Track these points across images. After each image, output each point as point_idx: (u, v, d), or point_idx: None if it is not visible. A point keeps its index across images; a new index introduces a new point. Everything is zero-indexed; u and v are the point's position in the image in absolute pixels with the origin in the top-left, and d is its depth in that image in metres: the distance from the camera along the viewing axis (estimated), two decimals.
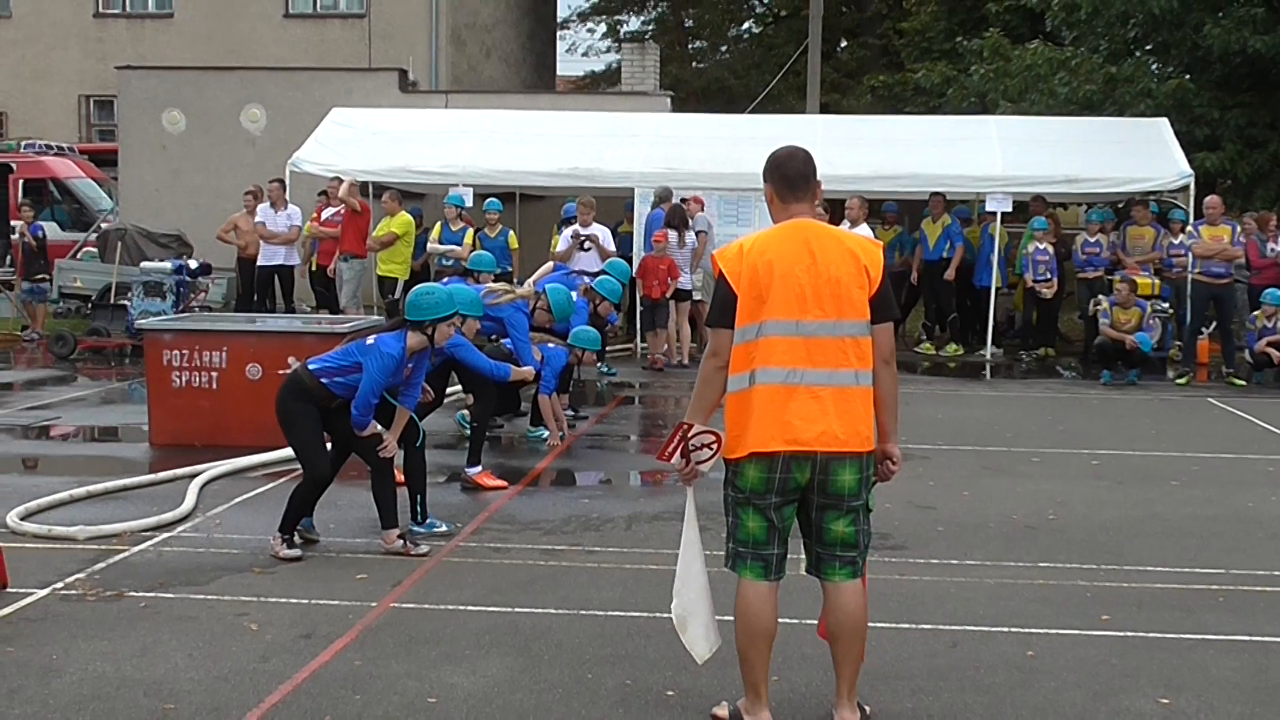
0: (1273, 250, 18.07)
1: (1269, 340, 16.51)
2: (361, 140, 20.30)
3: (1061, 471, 10.89)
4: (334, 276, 18.39)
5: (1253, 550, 8.37)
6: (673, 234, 17.28)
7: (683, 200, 18.04)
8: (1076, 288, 19.31)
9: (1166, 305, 17.62)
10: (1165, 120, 20.41)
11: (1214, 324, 17.84)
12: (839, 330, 5.13)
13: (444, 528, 8.64)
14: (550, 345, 11.83)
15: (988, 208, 18.85)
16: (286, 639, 6.41)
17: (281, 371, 11.10)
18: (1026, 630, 6.66)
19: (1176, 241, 18.20)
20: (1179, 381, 16.58)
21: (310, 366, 8.03)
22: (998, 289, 19.09)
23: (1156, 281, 17.93)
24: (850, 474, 5.15)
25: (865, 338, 5.17)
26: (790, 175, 5.36)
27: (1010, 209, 18.98)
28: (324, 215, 18.64)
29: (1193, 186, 18.59)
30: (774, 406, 5.10)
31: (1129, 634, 6.62)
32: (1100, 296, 17.35)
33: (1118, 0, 23.63)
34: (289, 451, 10.69)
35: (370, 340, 8.01)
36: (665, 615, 6.65)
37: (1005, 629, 6.68)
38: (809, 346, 5.11)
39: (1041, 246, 18.68)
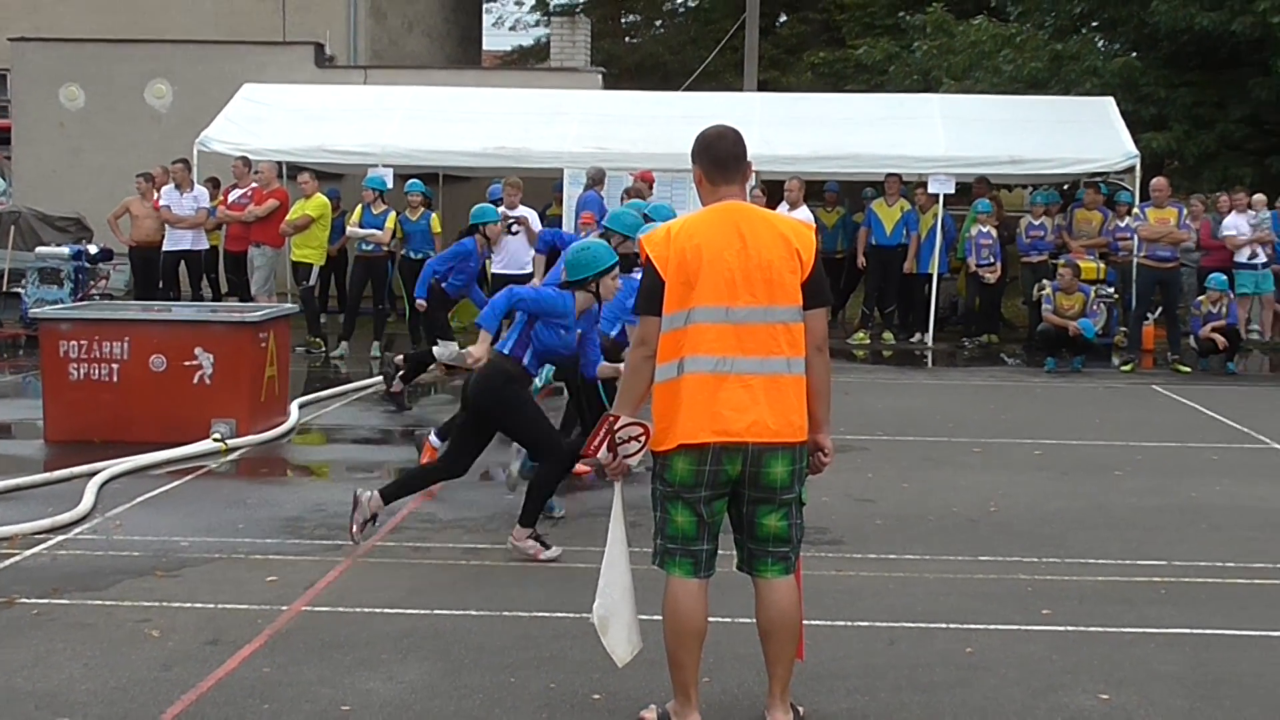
0: (1228, 233, 18.34)
1: (1214, 326, 16.74)
2: (275, 118, 20.14)
3: (1004, 462, 11.00)
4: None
5: (1196, 541, 8.49)
6: None
7: (635, 178, 17.95)
8: (1020, 272, 19.48)
9: (1111, 290, 17.82)
10: (1111, 99, 20.63)
11: (1160, 309, 18.06)
12: (770, 316, 5.14)
13: (557, 511, 8.89)
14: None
15: (930, 189, 18.96)
16: (191, 646, 6.35)
17: (188, 363, 11.03)
18: (966, 626, 6.72)
19: (1123, 224, 18.42)
20: (1124, 368, 16.78)
21: (504, 350, 8.04)
22: (939, 274, 19.21)
23: (1102, 266, 18.14)
24: (782, 466, 5.16)
25: (797, 324, 5.19)
26: (720, 156, 5.36)
27: (953, 191, 19.12)
28: (231, 197, 18.43)
29: (1139, 168, 18.78)
30: (703, 396, 5.10)
31: (1070, 628, 6.70)
32: (1044, 281, 17.52)
33: None
34: (196, 448, 10.67)
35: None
36: (591, 616, 6.67)
37: (944, 625, 6.74)
38: (739, 333, 5.12)
39: (985, 230, 18.82)
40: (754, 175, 18.43)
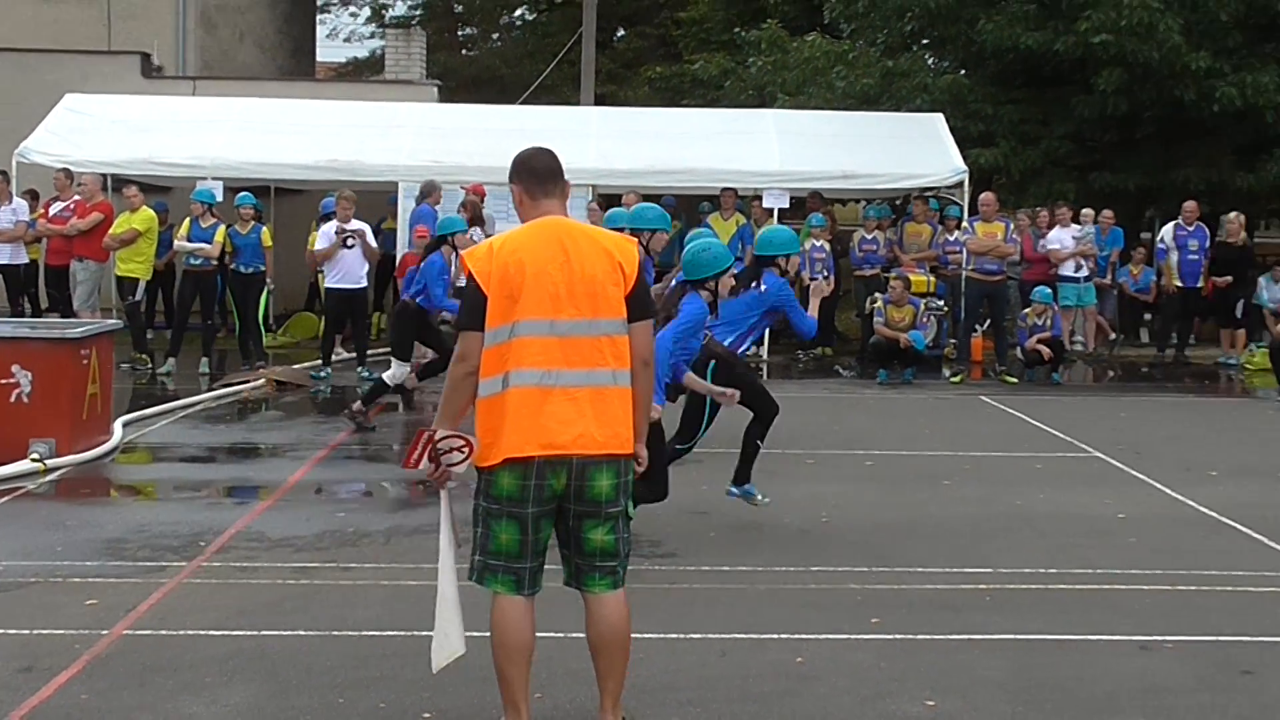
0: (1041, 246, 18.85)
1: (1039, 337, 17.17)
2: (99, 129, 19.67)
3: (836, 473, 11.15)
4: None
5: (1021, 549, 8.68)
6: (476, 232, 17.08)
7: (468, 191, 17.85)
8: (854, 286, 19.78)
9: (941, 303, 18.18)
10: (941, 116, 21.08)
11: (988, 321, 18.47)
12: (595, 329, 5.17)
13: (760, 497, 9.40)
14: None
15: (765, 204, 19.19)
16: (2, 674, 6.15)
17: (4, 381, 10.75)
18: (797, 636, 6.78)
19: (952, 238, 18.82)
20: (954, 380, 17.13)
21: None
22: None
23: (932, 279, 18.50)
24: (607, 479, 5.18)
25: (622, 336, 5.22)
26: (539, 170, 5.41)
27: (788, 205, 19.36)
28: (53, 210, 17.95)
29: (967, 183, 19.21)
30: (529, 409, 5.10)
31: (898, 636, 6.81)
32: (876, 294, 17.83)
33: None
34: (13, 468, 10.40)
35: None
36: (424, 633, 6.60)
37: (776, 635, 6.80)
38: (564, 346, 5.13)
39: (818, 244, 19.08)
40: (591, 189, 18.55)
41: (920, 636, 6.82)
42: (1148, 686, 6.18)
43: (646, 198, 18.58)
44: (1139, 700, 6.02)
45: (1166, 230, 20.51)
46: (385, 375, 13.34)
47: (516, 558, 5.21)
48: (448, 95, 28.26)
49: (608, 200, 19.34)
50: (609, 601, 5.32)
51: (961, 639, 6.79)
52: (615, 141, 19.72)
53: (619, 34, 42.40)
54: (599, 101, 28.95)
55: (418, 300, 13.39)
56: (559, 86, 34.47)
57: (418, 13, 44.91)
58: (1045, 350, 17.14)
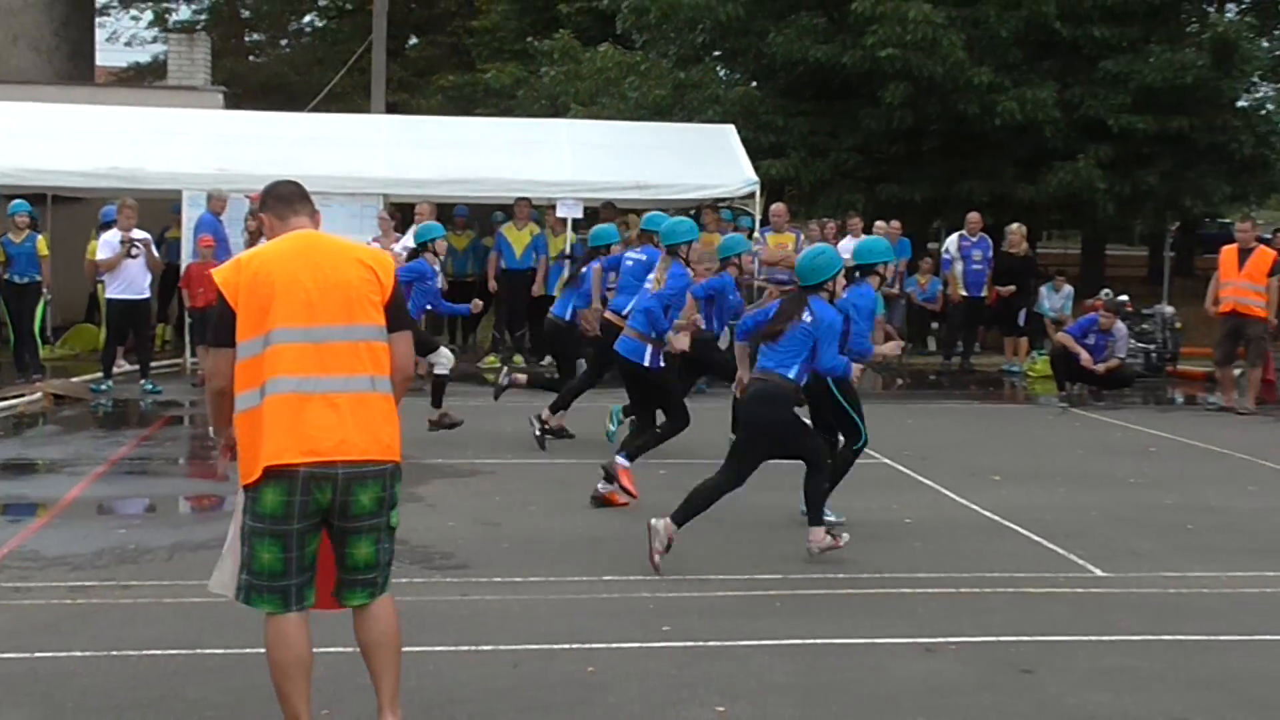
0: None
1: None
2: None
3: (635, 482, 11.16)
4: None
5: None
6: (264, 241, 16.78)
7: (251, 199, 17.52)
8: None
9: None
10: (733, 127, 21.37)
11: None
12: (352, 335, 5.17)
13: (832, 517, 9.39)
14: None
15: (558, 213, 19.23)
16: None
17: None
18: (589, 646, 6.79)
19: None
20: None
21: (788, 374, 8.54)
22: None
23: None
24: (372, 493, 5.15)
25: (380, 342, 5.24)
26: (285, 194, 5.49)
27: (581, 215, 19.41)
28: None
29: (759, 193, 19.50)
30: (287, 417, 5.05)
31: (689, 644, 6.86)
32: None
33: (686, 6, 24.60)
34: None
35: (808, 319, 8.56)
36: (208, 651, 6.48)
37: (568, 645, 6.80)
38: (321, 353, 5.12)
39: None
40: (382, 199, 18.37)
41: (711, 643, 6.88)
42: (931, 687, 6.33)
43: (440, 207, 18.55)
44: (923, 701, 6.16)
45: (951, 241, 21.09)
46: (437, 369, 13.23)
47: (280, 575, 5.13)
48: (234, 102, 27.75)
49: (400, 210, 19.19)
50: (373, 608, 5.30)
51: (752, 645, 6.87)
52: (407, 150, 19.57)
53: (411, 42, 42.11)
54: (391, 110, 28.74)
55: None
56: (350, 94, 34.12)
57: (203, 17, 44.04)
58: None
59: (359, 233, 17.45)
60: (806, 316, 8.58)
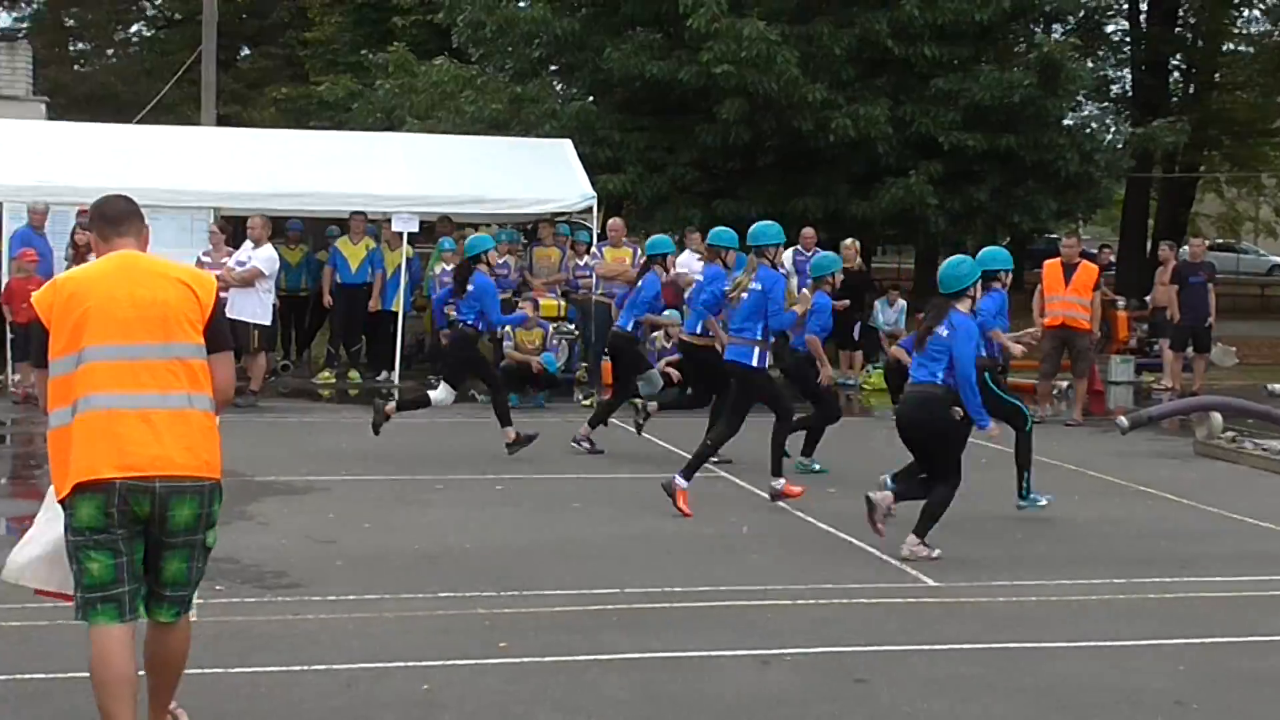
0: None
1: (668, 360, 17.54)
2: None
3: (466, 498, 11.12)
4: None
5: (649, 568, 8.84)
6: (92, 257, 16.35)
7: (79, 212, 17.09)
8: None
9: (572, 326, 18.43)
10: (570, 142, 21.40)
11: None
12: (169, 352, 5.17)
13: (1041, 501, 10.75)
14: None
15: (394, 227, 19.07)
16: None
17: None
18: (424, 664, 6.73)
19: (581, 263, 19.09)
20: (585, 403, 17.35)
21: (943, 380, 9.17)
22: (405, 312, 19.28)
23: (562, 303, 18.73)
24: (190, 508, 5.14)
25: (199, 360, 5.24)
26: (111, 214, 5.44)
27: (417, 229, 19.28)
28: None
29: (596, 208, 19.55)
30: (101, 432, 5.02)
31: (526, 659, 6.83)
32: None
33: (522, 21, 24.62)
34: None
35: (944, 331, 9.18)
36: (28, 677, 6.29)
37: (403, 664, 6.72)
38: (136, 370, 5.10)
39: (449, 268, 19.04)
40: (213, 212, 18.05)
41: (548, 659, 6.86)
42: (767, 699, 6.38)
43: (274, 221, 18.28)
44: (759, 713, 6.21)
45: (786, 256, 21.25)
46: (432, 394, 13.23)
47: (113, 583, 5.09)
48: (58, 113, 27.13)
49: (232, 223, 18.87)
50: (172, 628, 5.30)
51: (589, 659, 6.86)
52: (239, 163, 19.26)
53: (243, 53, 41.57)
54: (222, 122, 28.28)
55: (475, 324, 13.28)
56: (179, 105, 33.54)
57: (25, 25, 42.92)
58: (674, 373, 17.50)
59: (189, 246, 17.15)
60: (943, 330, 9.23)
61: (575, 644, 7.12)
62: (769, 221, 11.91)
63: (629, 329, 13.85)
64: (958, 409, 9.33)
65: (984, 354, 10.43)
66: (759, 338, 11.10)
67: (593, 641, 7.17)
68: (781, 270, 20.56)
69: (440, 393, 13.25)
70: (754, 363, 11.09)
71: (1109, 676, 6.84)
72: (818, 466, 12.77)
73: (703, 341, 12.81)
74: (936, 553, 9.23)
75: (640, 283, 13.90)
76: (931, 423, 9.36)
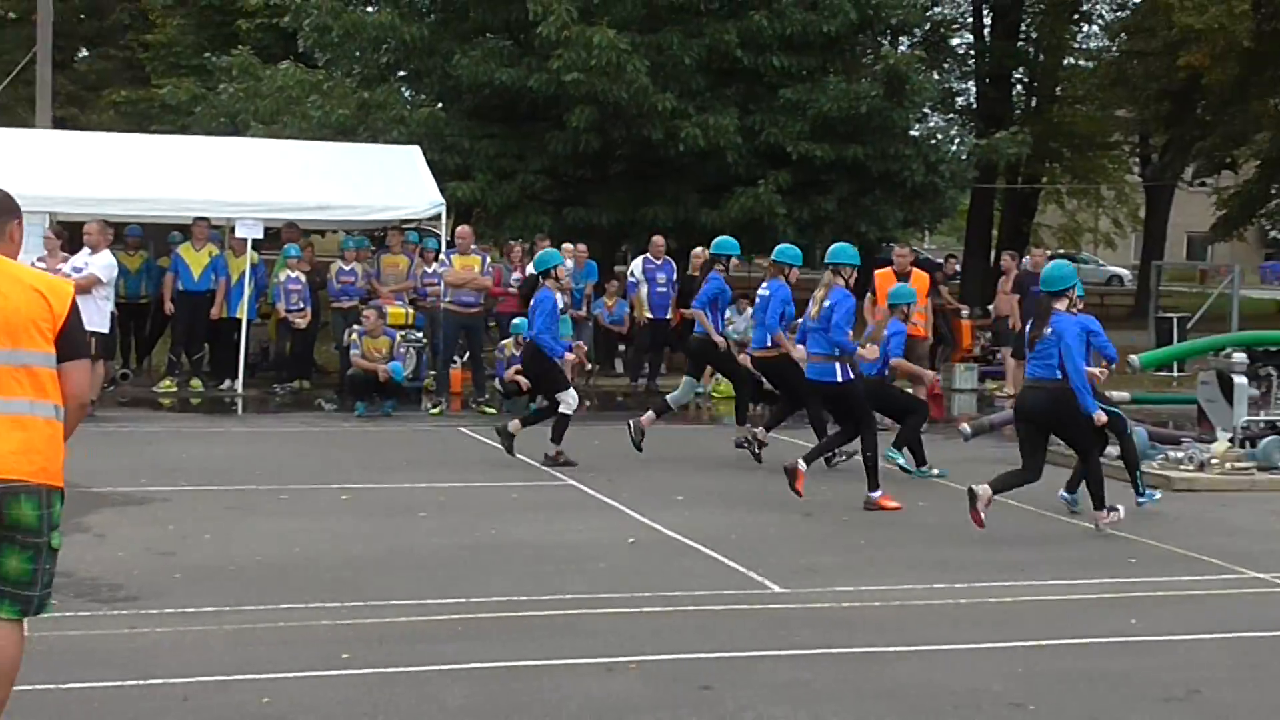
0: (516, 279, 19.35)
1: (516, 369, 17.54)
2: None
3: (311, 508, 11.01)
4: None
5: (494, 578, 8.82)
6: None
7: None
8: (331, 318, 19.64)
9: (420, 334, 18.34)
10: (418, 148, 21.30)
11: (467, 353, 18.75)
12: (14, 359, 5.15)
13: (1157, 496, 11.84)
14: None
15: (238, 234, 18.81)
16: None
17: None
18: (264, 676, 6.64)
19: (429, 270, 19.00)
20: (433, 411, 17.28)
21: (1060, 376, 10.41)
22: (250, 319, 19.01)
23: (410, 311, 18.63)
24: (30, 508, 5.14)
25: (47, 369, 5.22)
26: None
27: (262, 235, 19.04)
28: None
29: (445, 215, 19.47)
30: None
31: (369, 671, 6.77)
32: (354, 326, 17.76)
33: (369, 26, 24.44)
34: None
35: (1049, 331, 10.51)
36: None
37: (242, 677, 6.63)
38: None
39: (294, 275, 18.87)
40: (48, 217, 17.61)
41: (391, 669, 6.80)
42: (611, 706, 6.40)
43: (114, 226, 17.92)
44: None
45: (636, 264, 21.43)
46: (562, 408, 13.41)
47: None
48: None
49: (70, 228, 18.45)
50: (6, 629, 5.22)
51: (432, 670, 6.82)
52: (76, 167, 18.84)
53: (81, 54, 40.67)
54: (58, 125, 27.69)
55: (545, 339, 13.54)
56: (12, 107, 32.75)
57: None
58: (523, 381, 17.52)
59: (24, 252, 16.72)
60: (1049, 330, 10.48)
61: (419, 654, 7.08)
62: (845, 244, 12.68)
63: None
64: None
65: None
66: (836, 353, 11.80)
67: (437, 651, 7.14)
68: (632, 279, 20.79)
69: (566, 398, 13.50)
70: (839, 378, 11.80)
71: (949, 679, 6.97)
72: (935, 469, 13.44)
73: (773, 354, 13.50)
74: (1121, 509, 10.84)
75: (706, 283, 14.62)
76: (1055, 412, 10.59)
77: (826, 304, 11.78)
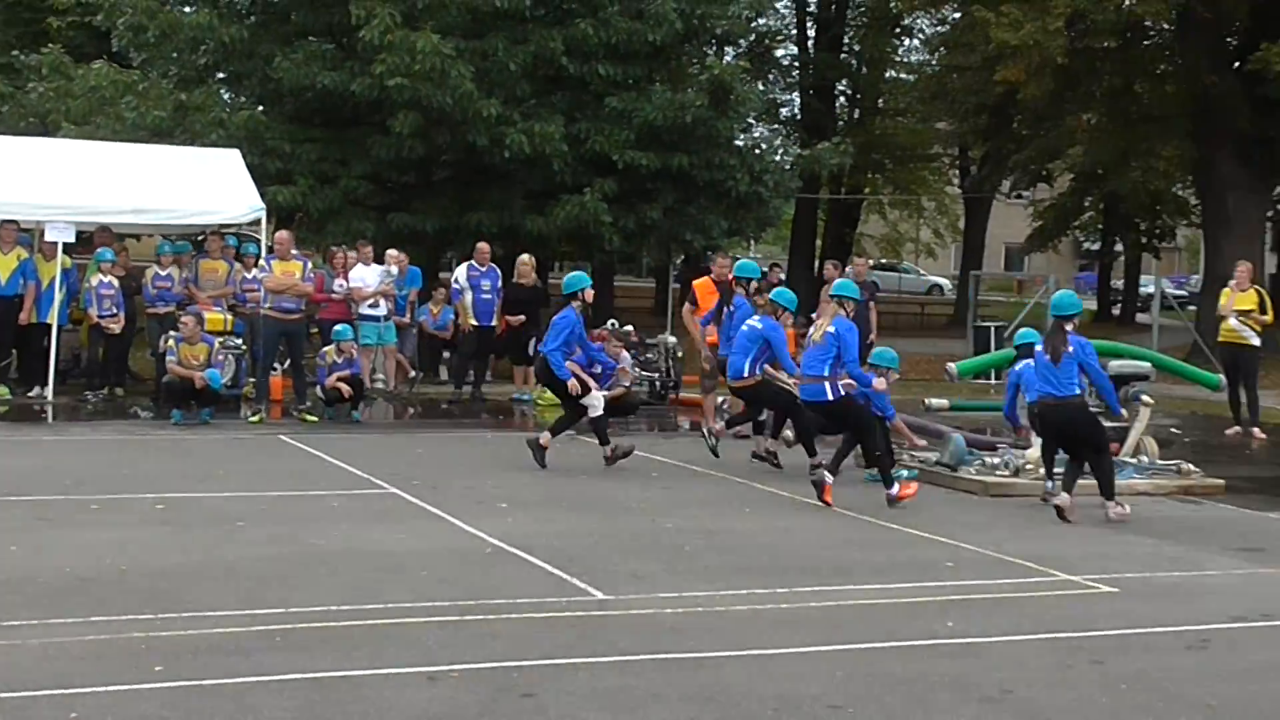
0: (341, 286, 19.16)
1: (339, 375, 17.37)
2: None
3: (123, 518, 10.75)
4: None
5: (314, 587, 8.70)
6: None
7: None
8: (147, 323, 19.24)
9: (239, 341, 18.04)
10: (238, 152, 20.97)
11: (288, 360, 18.50)
12: None
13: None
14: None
15: (48, 237, 18.34)
16: None
17: None
18: (72, 691, 6.46)
19: (250, 276, 18.71)
20: (253, 419, 17.01)
21: (1075, 393, 12.09)
22: (61, 325, 18.52)
23: (229, 317, 18.32)
24: None
25: None
26: None
27: (73, 238, 18.56)
28: None
29: (265, 220, 19.19)
30: None
31: (183, 683, 6.62)
32: (171, 332, 17.40)
33: (186, 26, 24.00)
34: None
35: (1070, 350, 12.04)
36: None
37: (48, 692, 6.45)
38: None
39: (107, 280, 18.44)
40: None
41: (208, 682, 6.67)
42: (432, 715, 6.36)
43: None
44: None
45: (460, 271, 21.33)
46: (591, 412, 14.21)
47: None
48: None
49: None
50: None
51: (250, 682, 6.71)
52: None
53: None
54: None
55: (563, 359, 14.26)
56: None
57: None
58: (346, 388, 17.35)
59: None
60: (1070, 348, 11.93)
61: (236, 666, 6.95)
62: (848, 281, 13.95)
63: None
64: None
65: None
66: (826, 374, 12.71)
67: (254, 663, 7.02)
68: (456, 286, 20.69)
69: (593, 401, 14.24)
70: (830, 397, 12.77)
71: (770, 684, 7.04)
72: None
73: (750, 383, 13.95)
74: (1128, 507, 12.17)
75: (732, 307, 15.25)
76: (1076, 425, 12.14)
77: (830, 330, 12.73)
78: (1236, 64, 31.70)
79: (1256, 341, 18.96)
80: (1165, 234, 47.48)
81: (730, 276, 15.73)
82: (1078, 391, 12.02)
